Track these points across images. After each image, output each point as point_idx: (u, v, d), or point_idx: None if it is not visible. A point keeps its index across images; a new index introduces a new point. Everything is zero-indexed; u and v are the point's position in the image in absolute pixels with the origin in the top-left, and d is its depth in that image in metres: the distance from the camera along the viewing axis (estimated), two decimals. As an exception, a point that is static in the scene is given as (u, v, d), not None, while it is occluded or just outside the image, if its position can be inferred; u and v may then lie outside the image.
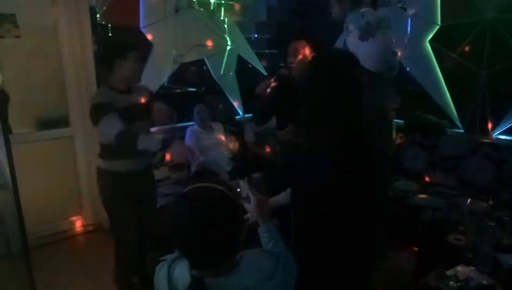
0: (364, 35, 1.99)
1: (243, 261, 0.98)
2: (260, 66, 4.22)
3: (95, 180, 2.23)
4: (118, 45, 2.15)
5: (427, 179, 3.34)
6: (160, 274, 1.02)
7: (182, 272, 0.97)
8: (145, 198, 2.30)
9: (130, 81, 2.13)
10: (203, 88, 3.83)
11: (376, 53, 2.03)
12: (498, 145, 3.01)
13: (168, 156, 2.96)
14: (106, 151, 2.13)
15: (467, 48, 3.15)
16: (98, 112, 1.95)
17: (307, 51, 2.19)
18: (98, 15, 3.04)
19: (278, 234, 1.16)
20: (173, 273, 0.99)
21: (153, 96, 2.31)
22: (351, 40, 2.10)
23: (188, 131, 3.30)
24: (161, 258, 1.07)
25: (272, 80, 2.34)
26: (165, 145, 1.99)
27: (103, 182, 2.17)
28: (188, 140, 3.31)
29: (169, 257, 1.05)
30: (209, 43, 3.71)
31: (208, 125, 3.40)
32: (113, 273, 2.36)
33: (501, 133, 3.10)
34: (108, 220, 2.31)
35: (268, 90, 2.29)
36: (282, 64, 4.23)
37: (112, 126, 1.91)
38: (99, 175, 2.19)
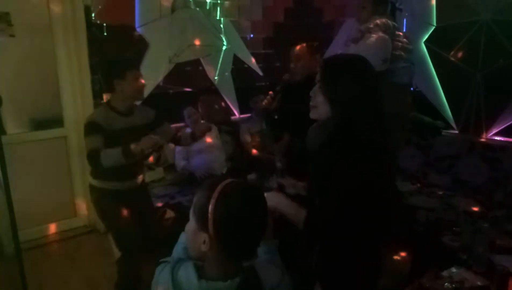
0: (354, 39, 2.22)
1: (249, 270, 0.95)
2: (255, 66, 4.21)
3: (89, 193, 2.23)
4: (115, 65, 2.15)
5: (422, 179, 3.35)
6: (162, 276, 0.96)
7: (187, 273, 0.92)
8: (140, 210, 2.26)
9: (133, 100, 2.13)
10: (198, 88, 3.81)
11: (368, 50, 2.12)
12: (493, 146, 3.03)
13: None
14: (98, 171, 2.11)
15: (462, 49, 3.17)
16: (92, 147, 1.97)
17: (308, 55, 2.19)
18: (93, 14, 3.01)
19: (278, 257, 1.09)
20: (176, 275, 0.94)
21: (157, 117, 2.26)
22: (349, 46, 2.34)
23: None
24: (161, 260, 1.02)
25: (277, 88, 2.40)
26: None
27: (96, 198, 2.18)
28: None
29: (171, 258, 1.01)
30: (205, 43, 3.70)
31: None
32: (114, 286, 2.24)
33: (495, 134, 3.12)
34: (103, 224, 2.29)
35: (265, 102, 2.37)
36: (277, 64, 4.28)
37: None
38: (92, 192, 2.20)
